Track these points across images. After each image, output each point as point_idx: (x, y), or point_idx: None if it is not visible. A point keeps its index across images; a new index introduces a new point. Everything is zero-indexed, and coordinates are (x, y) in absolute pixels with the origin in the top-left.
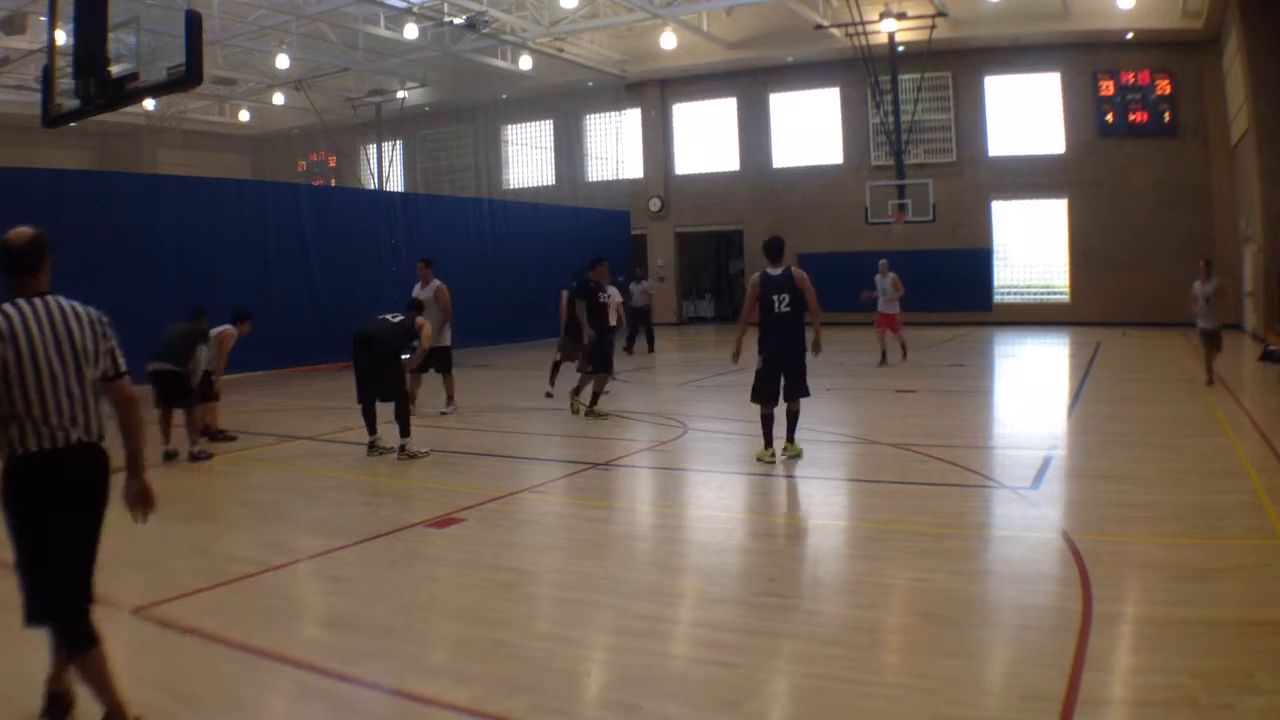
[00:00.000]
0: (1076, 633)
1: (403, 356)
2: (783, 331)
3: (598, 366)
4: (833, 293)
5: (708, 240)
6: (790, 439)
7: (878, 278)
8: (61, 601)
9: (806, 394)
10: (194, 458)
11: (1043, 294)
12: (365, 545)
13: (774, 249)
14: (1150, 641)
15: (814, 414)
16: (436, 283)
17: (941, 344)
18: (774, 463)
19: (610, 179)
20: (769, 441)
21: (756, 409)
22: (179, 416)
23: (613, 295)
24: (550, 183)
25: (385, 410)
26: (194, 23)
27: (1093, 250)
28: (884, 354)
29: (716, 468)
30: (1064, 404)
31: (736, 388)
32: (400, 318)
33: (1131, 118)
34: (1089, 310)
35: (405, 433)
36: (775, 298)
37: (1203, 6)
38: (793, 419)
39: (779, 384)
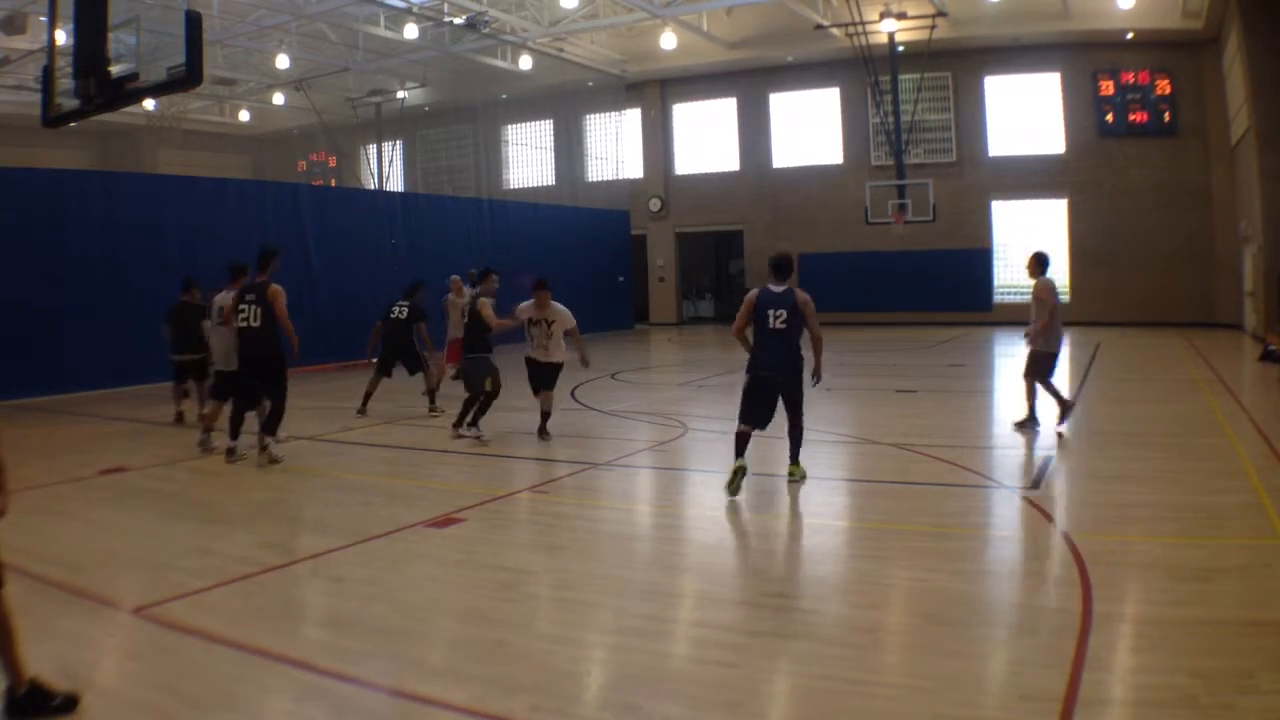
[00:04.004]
0: (1076, 633)
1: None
2: (773, 348)
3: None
4: (832, 292)
5: (708, 240)
6: (794, 458)
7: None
8: None
9: (801, 429)
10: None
11: None
12: (365, 545)
13: (782, 267)
14: (1150, 641)
15: (814, 413)
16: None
17: (941, 344)
18: (738, 483)
19: (610, 179)
20: (739, 453)
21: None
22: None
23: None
24: (550, 183)
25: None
26: (194, 23)
27: (1093, 250)
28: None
29: (716, 468)
30: None
31: (736, 388)
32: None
33: (1131, 118)
34: (1089, 310)
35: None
36: (771, 313)
37: (1203, 6)
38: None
39: (763, 407)
